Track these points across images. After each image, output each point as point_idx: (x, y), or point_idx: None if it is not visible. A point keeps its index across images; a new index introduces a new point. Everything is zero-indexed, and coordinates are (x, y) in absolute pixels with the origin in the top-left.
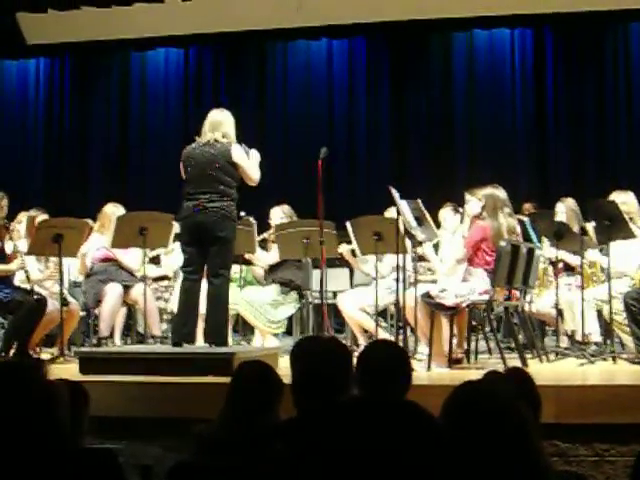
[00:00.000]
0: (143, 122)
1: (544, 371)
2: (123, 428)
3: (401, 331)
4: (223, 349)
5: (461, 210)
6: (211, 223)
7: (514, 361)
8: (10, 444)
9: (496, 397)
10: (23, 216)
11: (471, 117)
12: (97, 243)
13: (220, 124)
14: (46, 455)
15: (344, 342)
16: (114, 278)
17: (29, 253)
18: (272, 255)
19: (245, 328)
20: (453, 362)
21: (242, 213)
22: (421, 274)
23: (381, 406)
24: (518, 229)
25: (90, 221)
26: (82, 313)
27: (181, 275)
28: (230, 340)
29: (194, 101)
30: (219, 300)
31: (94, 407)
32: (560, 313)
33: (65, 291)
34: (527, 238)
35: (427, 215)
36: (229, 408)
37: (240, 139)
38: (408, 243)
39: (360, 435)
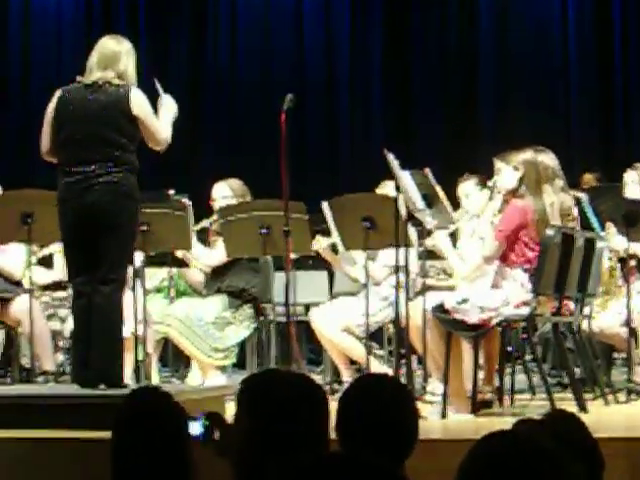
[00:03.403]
0: (26, 63)
1: (611, 417)
2: None
3: (403, 361)
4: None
5: (490, 184)
6: (103, 205)
7: (567, 403)
8: None
9: (534, 458)
10: None
11: (503, 52)
12: None
13: (115, 59)
14: None
15: (321, 378)
16: None
17: None
18: (216, 253)
19: (177, 359)
20: (479, 406)
21: (171, 191)
22: (432, 277)
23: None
24: (575, 211)
25: None
26: None
27: None
28: (155, 376)
29: (101, 33)
30: (109, 317)
31: None
32: (634, 333)
33: None
34: (585, 224)
35: (440, 192)
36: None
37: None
38: (413, 232)
39: None
